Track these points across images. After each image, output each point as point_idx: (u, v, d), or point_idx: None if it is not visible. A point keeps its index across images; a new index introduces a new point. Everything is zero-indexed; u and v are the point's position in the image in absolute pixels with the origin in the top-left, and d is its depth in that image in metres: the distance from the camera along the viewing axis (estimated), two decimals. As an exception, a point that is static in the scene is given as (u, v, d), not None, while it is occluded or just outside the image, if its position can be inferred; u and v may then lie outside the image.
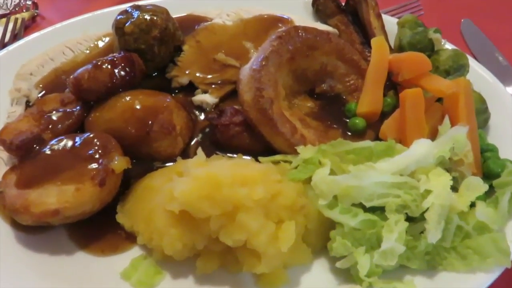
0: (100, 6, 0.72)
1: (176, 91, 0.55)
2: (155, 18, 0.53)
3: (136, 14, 0.52)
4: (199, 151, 0.47)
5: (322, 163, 0.45)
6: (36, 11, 0.68)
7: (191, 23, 0.60)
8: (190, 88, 0.55)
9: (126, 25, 0.52)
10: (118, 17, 0.53)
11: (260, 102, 0.48)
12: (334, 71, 0.55)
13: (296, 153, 0.47)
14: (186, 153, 0.51)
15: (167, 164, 0.49)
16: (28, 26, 0.67)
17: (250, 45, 0.58)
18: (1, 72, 0.56)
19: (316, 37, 0.53)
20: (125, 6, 0.63)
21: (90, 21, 0.61)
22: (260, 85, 0.48)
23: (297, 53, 0.52)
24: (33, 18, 0.68)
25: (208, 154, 0.50)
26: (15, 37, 0.65)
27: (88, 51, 0.58)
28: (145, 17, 0.52)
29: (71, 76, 0.50)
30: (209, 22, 0.60)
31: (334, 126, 0.53)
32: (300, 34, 0.52)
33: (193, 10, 0.61)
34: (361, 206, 0.43)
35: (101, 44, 0.58)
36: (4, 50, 0.57)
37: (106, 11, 0.62)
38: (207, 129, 0.52)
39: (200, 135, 0.53)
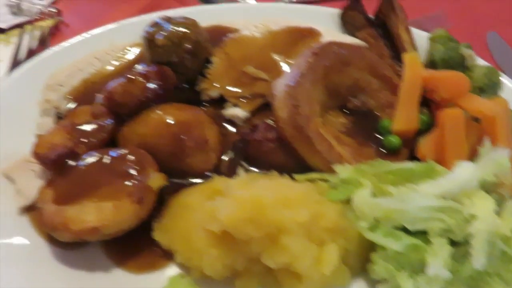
0: (123, 12, 0.71)
1: (206, 104, 0.55)
2: (187, 31, 0.52)
3: (167, 26, 0.52)
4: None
5: (362, 184, 0.45)
6: (60, 18, 0.68)
7: (219, 34, 0.59)
8: (220, 101, 0.55)
9: (158, 37, 0.51)
10: (149, 29, 0.52)
11: (297, 119, 0.47)
12: (367, 87, 0.54)
13: (332, 171, 0.47)
14: (218, 168, 0.50)
15: (200, 180, 0.49)
16: (53, 34, 0.66)
17: (279, 58, 0.57)
18: (29, 82, 0.55)
19: (350, 52, 0.53)
20: (151, 15, 0.63)
21: (117, 31, 0.61)
22: (296, 102, 0.48)
23: (331, 69, 0.51)
24: (56, 26, 0.67)
25: (239, 168, 0.50)
26: (40, 45, 0.64)
27: (116, 62, 0.57)
28: (177, 29, 0.52)
29: (104, 90, 0.49)
30: (237, 34, 0.59)
31: (368, 143, 0.52)
32: (335, 50, 0.52)
33: (220, 21, 0.61)
34: (403, 228, 0.43)
35: (129, 54, 0.58)
36: (33, 60, 0.56)
37: (132, 21, 0.61)
38: (239, 144, 0.52)
39: (231, 150, 0.52)
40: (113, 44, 0.59)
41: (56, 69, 0.56)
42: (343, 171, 0.46)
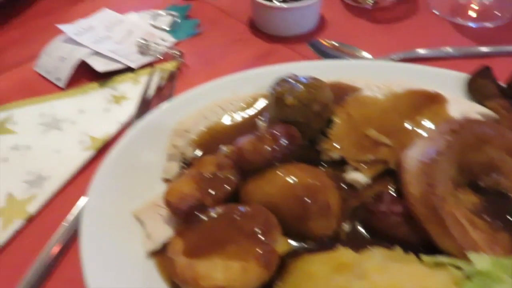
0: (240, 57, 0.74)
1: (324, 163, 0.55)
2: (317, 93, 0.53)
3: (297, 86, 0.53)
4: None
5: (502, 280, 0.43)
6: (181, 59, 0.71)
7: (340, 91, 0.59)
8: (339, 163, 0.55)
9: (287, 97, 0.52)
10: (277, 87, 0.54)
11: (431, 199, 0.46)
12: (502, 166, 0.52)
13: (464, 257, 0.45)
14: (338, 234, 0.50)
15: (319, 245, 0.49)
16: (174, 76, 0.70)
17: (402, 122, 0.56)
18: (158, 126, 0.58)
19: (489, 131, 0.51)
20: (274, 68, 0.64)
21: (239, 81, 0.63)
22: (431, 181, 0.47)
23: (468, 147, 0.50)
24: (179, 67, 0.71)
25: (360, 238, 0.49)
26: (166, 86, 0.68)
27: (239, 112, 0.59)
28: (307, 91, 0.53)
29: (233, 144, 0.51)
30: (359, 93, 0.59)
31: (503, 229, 0.50)
32: (475, 128, 0.50)
33: (341, 78, 0.61)
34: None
35: (252, 106, 0.59)
36: (162, 106, 0.59)
37: (255, 72, 0.63)
38: (360, 211, 0.51)
39: (352, 217, 0.52)
40: (236, 94, 0.61)
41: (183, 115, 0.59)
42: (480, 261, 0.44)
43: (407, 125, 0.56)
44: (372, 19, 0.80)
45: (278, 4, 0.73)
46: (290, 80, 0.55)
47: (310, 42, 0.71)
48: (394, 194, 0.51)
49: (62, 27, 0.73)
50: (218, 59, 0.74)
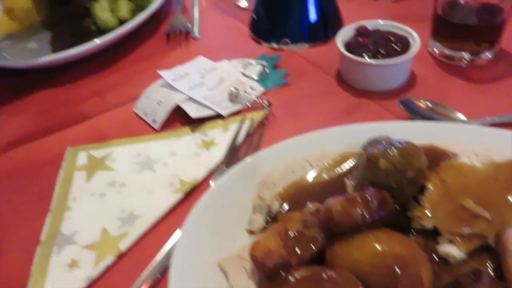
0: (326, 110, 0.74)
1: (415, 231, 0.53)
2: (411, 158, 0.52)
3: (391, 150, 0.52)
4: None
5: None
6: (269, 109, 0.72)
7: (434, 156, 0.58)
8: (430, 232, 0.53)
9: (380, 160, 0.52)
10: (370, 149, 0.53)
11: (540, 289, 0.43)
12: None
13: None
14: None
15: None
16: (262, 125, 0.71)
17: (503, 195, 0.53)
18: (246, 177, 0.59)
19: None
20: (364, 126, 0.64)
21: (328, 137, 0.63)
22: (541, 269, 0.43)
23: None
24: (266, 116, 0.72)
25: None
26: (254, 135, 0.69)
27: (327, 169, 0.59)
28: (402, 156, 0.52)
29: (321, 203, 0.51)
30: (455, 160, 0.57)
31: None
32: None
33: (435, 141, 0.60)
34: None
35: (340, 164, 0.59)
36: (251, 156, 0.60)
37: (344, 129, 0.63)
38: (452, 288, 0.49)
39: (443, 294, 0.49)
40: (324, 150, 0.61)
41: (271, 167, 0.60)
42: None
43: (509, 199, 0.53)
44: (466, 77, 0.77)
45: (368, 60, 0.73)
46: (383, 142, 0.54)
47: (401, 100, 0.69)
48: (493, 275, 0.47)
49: (161, 72, 0.78)
50: (305, 110, 0.75)
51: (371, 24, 0.81)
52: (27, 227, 0.60)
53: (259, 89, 0.79)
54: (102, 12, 0.91)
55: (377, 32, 0.79)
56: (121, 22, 0.93)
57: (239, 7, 1.04)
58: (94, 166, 0.68)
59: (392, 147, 0.53)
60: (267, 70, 0.82)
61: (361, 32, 0.79)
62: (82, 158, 0.69)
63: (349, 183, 0.57)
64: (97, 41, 0.86)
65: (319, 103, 0.76)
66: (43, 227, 0.59)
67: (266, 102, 0.74)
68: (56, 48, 0.91)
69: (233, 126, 0.71)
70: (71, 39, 0.91)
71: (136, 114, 0.76)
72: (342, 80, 0.79)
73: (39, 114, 0.79)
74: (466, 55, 0.78)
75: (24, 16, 0.92)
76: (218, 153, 0.68)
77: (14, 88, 0.85)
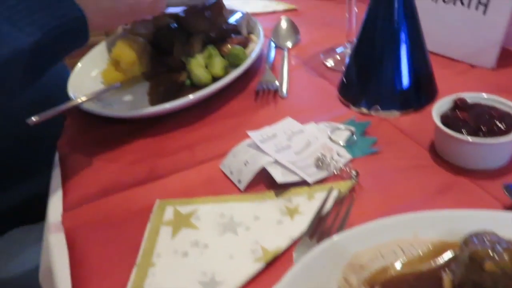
0: (418, 186, 0.70)
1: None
2: (524, 263, 0.47)
3: (498, 250, 0.47)
4: None
5: None
6: (357, 180, 0.70)
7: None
8: None
9: (486, 261, 0.47)
10: (473, 245, 0.49)
11: None
12: None
13: None
14: None
15: None
16: (350, 198, 0.69)
17: None
18: (332, 255, 0.57)
19: None
20: (462, 213, 0.59)
21: (423, 221, 0.59)
22: None
23: None
24: (353, 187, 0.70)
25: None
26: (341, 206, 0.67)
27: (420, 258, 0.55)
28: (512, 259, 0.47)
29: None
30: None
31: None
32: None
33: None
34: None
35: (435, 253, 0.55)
36: (339, 234, 0.58)
37: (441, 215, 0.59)
38: None
39: None
40: (417, 235, 0.58)
41: (358, 249, 0.57)
42: None
43: None
44: None
45: (469, 138, 0.69)
46: (488, 238, 0.50)
47: (506, 185, 0.64)
48: None
49: (250, 133, 0.79)
50: (395, 184, 0.71)
51: (470, 97, 0.77)
52: (113, 279, 0.62)
53: (347, 156, 0.77)
54: (197, 68, 0.96)
55: (477, 106, 0.75)
56: (214, 78, 0.97)
57: (327, 67, 1.05)
58: (180, 222, 0.69)
59: (499, 247, 0.48)
60: (355, 137, 0.80)
61: (460, 105, 0.76)
62: (169, 212, 0.71)
63: (447, 278, 0.52)
64: (191, 97, 0.90)
65: (410, 177, 0.72)
66: (128, 282, 0.61)
67: (354, 172, 0.72)
68: (153, 100, 0.96)
69: (318, 194, 0.70)
70: (167, 92, 0.96)
71: (222, 172, 0.78)
72: (436, 154, 0.75)
73: (131, 163, 0.84)
74: None
75: (128, 68, 0.99)
76: (302, 222, 0.66)
77: (111, 135, 0.91)
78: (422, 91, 0.89)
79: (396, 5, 0.83)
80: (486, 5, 0.92)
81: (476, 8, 0.93)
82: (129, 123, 0.92)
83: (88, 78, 1.05)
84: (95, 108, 0.92)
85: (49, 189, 0.83)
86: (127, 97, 1.00)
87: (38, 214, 0.95)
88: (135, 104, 0.98)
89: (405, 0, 0.84)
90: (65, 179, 0.82)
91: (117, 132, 0.91)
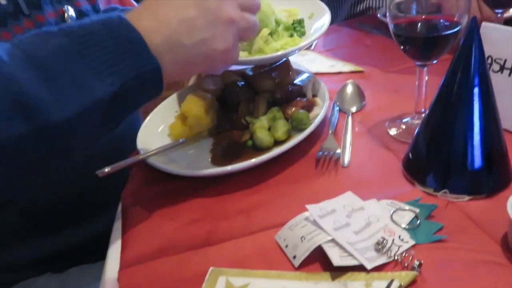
0: (488, 284, 0.65)
1: None
2: None
3: None
4: None
5: None
6: (419, 270, 0.65)
7: None
8: None
9: None
10: None
11: None
12: None
13: None
14: None
15: None
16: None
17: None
18: None
19: None
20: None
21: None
22: None
23: None
24: (415, 279, 0.65)
25: None
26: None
27: None
28: None
29: None
30: None
31: None
32: None
33: None
34: None
35: None
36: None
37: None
38: None
39: None
40: None
41: None
42: None
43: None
44: None
45: (550, 240, 0.63)
46: None
47: None
48: None
49: (308, 207, 0.78)
50: (462, 281, 0.66)
51: (552, 191, 0.71)
52: None
53: (410, 241, 0.73)
54: (260, 131, 0.97)
55: (560, 202, 0.69)
56: (276, 140, 0.98)
57: (392, 136, 1.02)
58: (231, 295, 0.68)
59: None
60: (419, 220, 0.76)
61: (539, 199, 0.70)
62: (221, 283, 0.71)
63: None
64: (254, 161, 0.90)
65: (479, 274, 0.67)
66: None
67: (417, 262, 0.68)
68: (214, 157, 0.99)
69: (377, 283, 0.67)
70: (228, 151, 0.98)
71: (277, 244, 0.76)
72: (510, 250, 0.70)
73: (189, 222, 0.85)
74: None
75: (194, 123, 1.02)
76: (358, 313, 0.63)
77: (173, 191, 0.93)
78: (495, 174, 0.84)
79: (472, 77, 0.80)
80: None
81: (560, 90, 0.87)
82: (190, 180, 0.95)
83: (156, 131, 1.09)
84: (159, 162, 0.95)
85: (110, 239, 0.86)
86: (191, 153, 1.03)
87: (97, 254, 0.99)
88: (198, 160, 1.00)
89: (480, 73, 0.81)
90: (125, 233, 0.84)
91: (178, 188, 0.94)
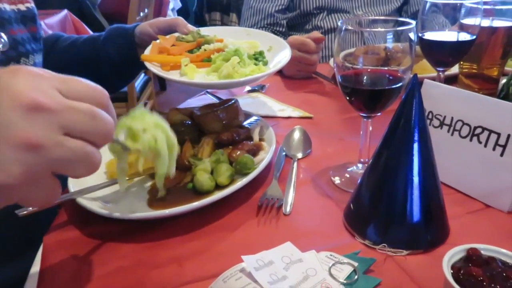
0: None
1: None
2: None
3: None
4: None
5: None
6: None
7: None
8: None
9: None
10: None
11: None
12: None
13: None
14: None
15: None
16: None
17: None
18: None
19: None
20: None
21: None
22: None
23: None
24: None
25: None
26: None
27: None
28: None
29: None
30: None
31: None
32: None
33: None
34: None
35: None
36: None
37: None
38: None
39: None
40: None
41: None
42: None
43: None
44: None
45: (482, 301, 0.62)
46: None
47: None
48: None
49: (244, 258, 0.74)
50: None
51: (485, 249, 0.71)
52: None
53: (346, 298, 0.70)
54: (202, 174, 0.93)
55: (493, 262, 0.69)
56: (217, 184, 0.94)
57: (336, 185, 1.01)
58: None
59: None
60: (357, 275, 0.74)
61: (473, 257, 0.70)
62: None
63: None
64: (192, 205, 0.86)
65: None
66: None
67: (352, 322, 0.64)
68: (151, 200, 0.93)
69: None
70: (168, 193, 0.93)
71: (210, 297, 0.71)
72: (445, 309, 0.68)
73: (118, 270, 0.78)
74: None
75: (133, 162, 0.97)
76: None
77: (102, 235, 0.86)
78: (433, 228, 0.84)
79: (412, 132, 0.81)
80: (504, 147, 0.89)
81: (494, 148, 0.91)
82: (123, 223, 0.88)
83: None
84: (89, 203, 0.89)
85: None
86: (128, 193, 0.96)
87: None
88: (133, 201, 0.94)
89: (420, 129, 0.82)
90: (42, 282, 0.76)
91: (108, 232, 0.87)
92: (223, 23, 4.05)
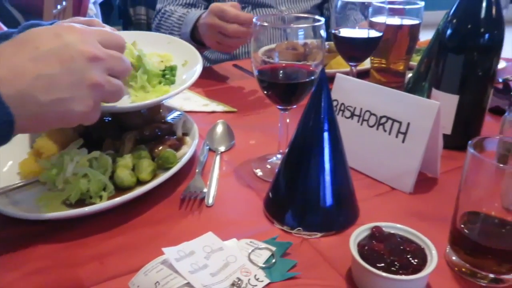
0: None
1: None
2: None
3: None
4: None
5: None
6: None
7: None
8: None
9: None
10: None
11: None
12: None
13: None
14: None
15: None
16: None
17: None
18: None
19: None
20: None
21: None
22: None
23: None
24: None
25: None
26: None
27: None
28: None
29: None
30: None
31: None
32: None
33: None
34: None
35: None
36: None
37: None
38: None
39: None
40: None
41: None
42: None
43: None
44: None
45: (381, 273, 0.69)
46: None
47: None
48: None
49: (165, 250, 0.75)
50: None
51: (387, 226, 0.79)
52: None
53: (265, 280, 0.74)
54: (122, 170, 0.93)
55: (392, 237, 0.77)
56: (139, 180, 0.94)
57: (257, 176, 1.05)
58: None
59: None
60: (275, 259, 0.79)
61: (376, 235, 0.77)
62: None
63: None
64: (113, 201, 0.86)
65: None
66: None
67: (268, 301, 0.68)
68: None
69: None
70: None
71: (131, 291, 0.72)
72: (353, 284, 0.75)
73: (34, 272, 0.76)
74: (488, 275, 0.74)
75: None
76: None
77: (14, 238, 0.83)
78: (344, 211, 0.91)
79: (322, 122, 0.86)
80: (405, 134, 0.99)
81: (396, 136, 1.00)
82: (38, 225, 0.85)
83: (1, 168, 0.98)
84: (2, 206, 0.84)
85: None
86: (41, 194, 0.93)
87: None
88: (50, 201, 0.91)
89: (329, 119, 0.87)
90: None
91: (22, 235, 0.84)
92: (148, 18, 3.94)
